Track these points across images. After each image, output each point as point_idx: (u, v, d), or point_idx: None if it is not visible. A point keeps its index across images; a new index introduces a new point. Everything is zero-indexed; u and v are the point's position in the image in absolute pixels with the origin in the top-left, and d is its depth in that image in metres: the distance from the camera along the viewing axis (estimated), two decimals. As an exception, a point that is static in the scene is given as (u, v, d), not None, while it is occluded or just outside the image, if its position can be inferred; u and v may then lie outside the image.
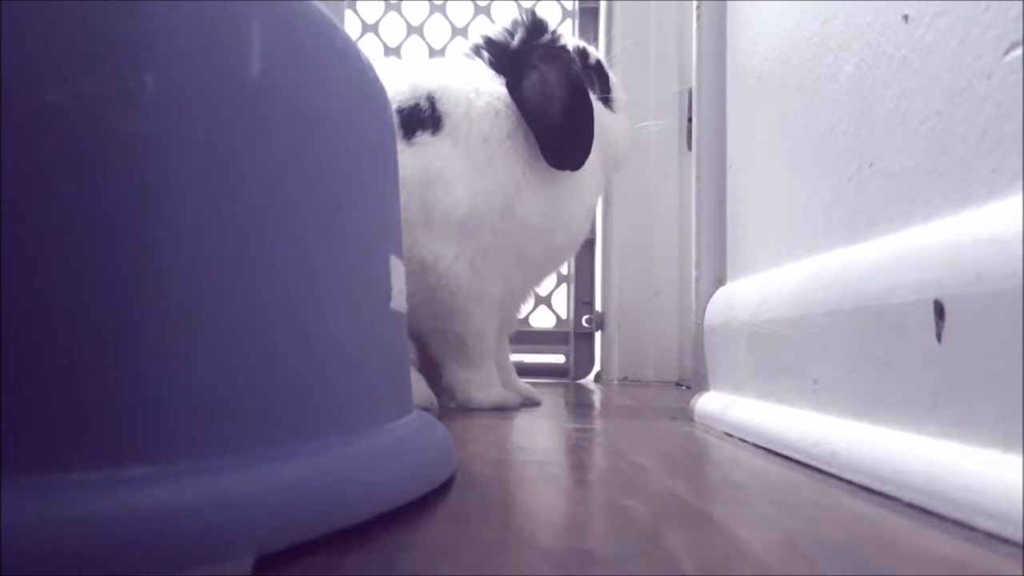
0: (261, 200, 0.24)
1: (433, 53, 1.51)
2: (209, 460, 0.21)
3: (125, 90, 0.19)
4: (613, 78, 0.83)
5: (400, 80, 0.73)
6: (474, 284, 0.71)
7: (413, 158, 0.69)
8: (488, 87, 0.73)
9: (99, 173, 0.19)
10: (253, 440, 0.23)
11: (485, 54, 0.74)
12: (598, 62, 0.81)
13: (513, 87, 0.71)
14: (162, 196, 0.21)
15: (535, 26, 0.75)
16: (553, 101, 0.70)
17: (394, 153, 0.37)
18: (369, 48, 1.50)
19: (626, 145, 0.83)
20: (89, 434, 0.19)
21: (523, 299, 0.86)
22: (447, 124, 0.71)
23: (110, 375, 0.20)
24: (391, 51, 1.51)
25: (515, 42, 0.74)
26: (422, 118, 0.71)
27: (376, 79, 0.33)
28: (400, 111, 0.71)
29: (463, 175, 0.70)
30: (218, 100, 0.22)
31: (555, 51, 0.73)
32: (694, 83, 0.73)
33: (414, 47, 1.51)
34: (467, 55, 0.78)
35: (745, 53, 0.65)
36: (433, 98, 0.72)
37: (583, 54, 0.79)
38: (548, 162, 0.72)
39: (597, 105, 0.77)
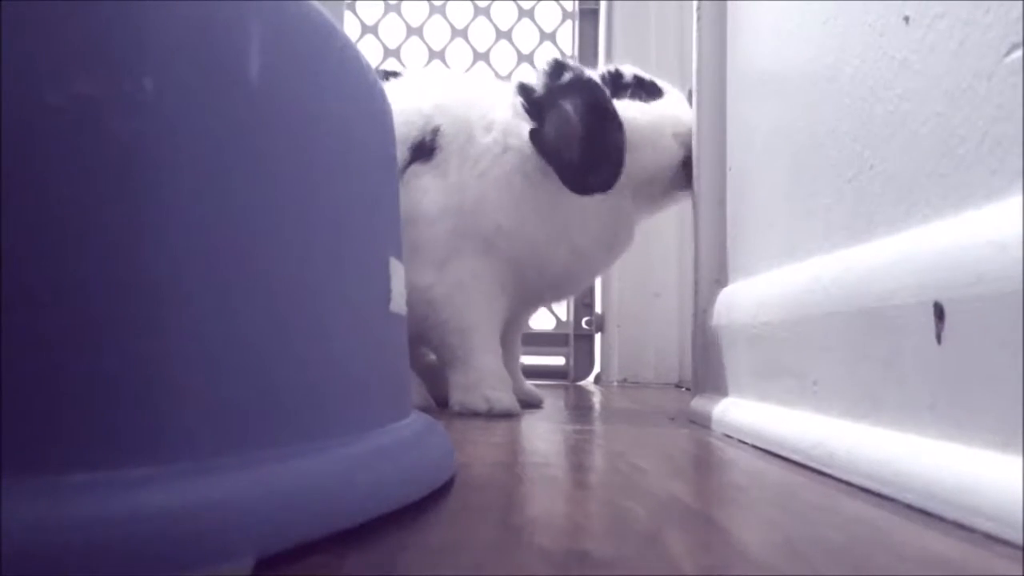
0: (260, 202, 0.24)
1: (433, 55, 1.51)
2: (208, 461, 0.21)
3: (123, 91, 0.19)
4: (663, 84, 0.80)
5: (415, 112, 0.74)
6: (455, 301, 0.72)
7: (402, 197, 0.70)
8: (504, 121, 0.73)
9: (97, 174, 0.19)
10: (252, 441, 0.23)
11: (520, 99, 0.74)
12: (636, 76, 0.79)
13: (534, 133, 0.71)
14: (160, 198, 0.21)
15: (555, 68, 0.74)
16: (572, 132, 0.69)
17: (394, 155, 0.37)
18: (368, 49, 1.50)
19: (656, 156, 0.75)
20: (87, 436, 0.19)
21: (528, 311, 0.85)
22: (437, 157, 0.73)
23: (108, 377, 0.20)
24: (390, 52, 1.51)
25: (539, 89, 0.73)
26: (422, 153, 0.73)
27: (376, 81, 0.33)
28: (411, 147, 0.73)
29: (446, 212, 0.71)
30: (217, 102, 0.22)
31: (575, 84, 0.72)
32: (694, 84, 0.73)
33: (414, 48, 1.51)
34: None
35: (745, 54, 0.65)
36: (437, 132, 0.73)
37: (616, 76, 0.78)
38: (572, 191, 0.71)
39: (633, 112, 0.74)
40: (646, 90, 0.79)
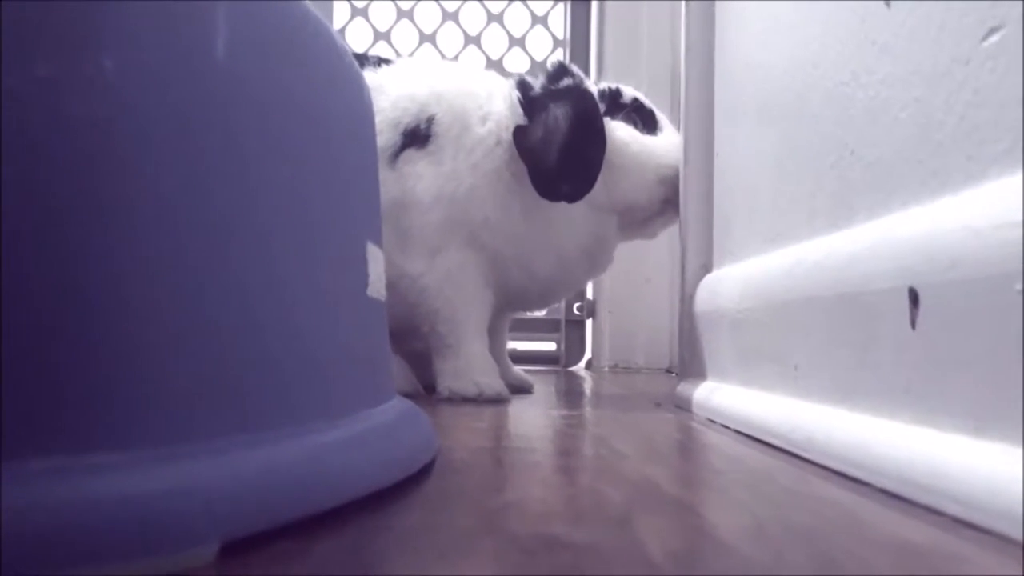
0: (228, 186, 0.24)
1: (424, 38, 1.50)
2: (178, 447, 0.21)
3: (83, 73, 0.19)
4: (663, 118, 0.80)
5: (409, 98, 0.73)
6: (445, 291, 0.72)
7: (394, 182, 0.71)
8: (500, 113, 0.73)
9: (57, 158, 0.19)
10: (224, 428, 0.23)
11: (517, 94, 0.74)
12: (636, 100, 0.78)
13: (518, 131, 0.70)
14: (123, 182, 0.20)
15: (557, 71, 0.75)
16: (555, 138, 0.69)
17: (372, 139, 0.37)
18: (359, 33, 1.49)
19: (635, 190, 0.75)
20: (51, 422, 0.19)
21: (516, 308, 0.86)
22: (432, 145, 0.72)
23: (76, 363, 0.20)
24: (381, 35, 1.50)
25: (536, 88, 0.74)
26: (416, 139, 0.72)
27: (352, 63, 0.33)
28: (404, 132, 0.72)
29: (439, 201, 0.71)
30: (181, 84, 0.22)
31: (570, 91, 0.72)
32: (682, 69, 0.73)
33: (404, 32, 1.50)
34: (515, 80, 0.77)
35: (733, 40, 0.65)
36: (432, 120, 0.73)
37: (615, 94, 0.78)
38: (541, 195, 0.70)
39: (625, 139, 0.75)
40: (643, 118, 0.78)
